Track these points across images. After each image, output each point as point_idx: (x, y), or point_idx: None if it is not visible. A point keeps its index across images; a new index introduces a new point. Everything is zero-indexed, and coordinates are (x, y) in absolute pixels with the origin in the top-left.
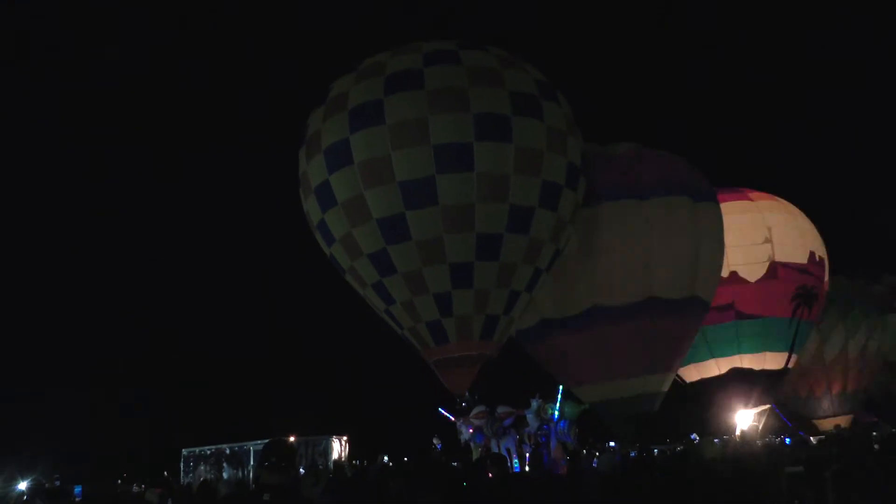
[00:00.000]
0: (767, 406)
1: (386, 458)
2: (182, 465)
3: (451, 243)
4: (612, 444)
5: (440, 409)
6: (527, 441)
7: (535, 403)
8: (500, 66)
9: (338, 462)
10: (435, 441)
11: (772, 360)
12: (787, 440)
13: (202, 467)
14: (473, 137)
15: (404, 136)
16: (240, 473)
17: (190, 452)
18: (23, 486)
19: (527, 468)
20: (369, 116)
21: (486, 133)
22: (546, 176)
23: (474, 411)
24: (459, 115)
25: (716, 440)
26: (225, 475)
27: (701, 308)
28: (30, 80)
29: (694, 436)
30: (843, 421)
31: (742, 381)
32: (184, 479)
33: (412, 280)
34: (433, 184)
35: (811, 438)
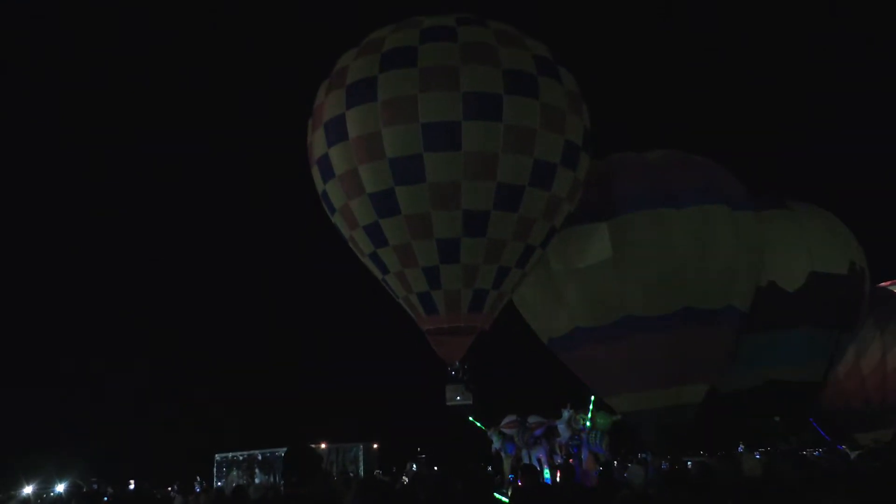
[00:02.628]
0: (804, 419)
1: (415, 466)
2: (215, 469)
3: (437, 219)
4: (644, 455)
5: (470, 419)
6: (558, 451)
7: (566, 413)
8: (498, 43)
9: (368, 469)
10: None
11: (809, 372)
12: (840, 457)
13: (234, 472)
14: (461, 116)
15: (394, 113)
16: (272, 479)
17: (223, 458)
18: (60, 488)
19: (558, 479)
20: (363, 93)
21: (474, 112)
22: (539, 155)
23: (505, 421)
24: (448, 94)
25: (756, 454)
26: (256, 480)
27: (737, 318)
28: (30, 80)
29: (741, 448)
30: (883, 434)
31: (779, 393)
32: (216, 484)
33: (402, 253)
34: (420, 161)
35: (850, 453)
